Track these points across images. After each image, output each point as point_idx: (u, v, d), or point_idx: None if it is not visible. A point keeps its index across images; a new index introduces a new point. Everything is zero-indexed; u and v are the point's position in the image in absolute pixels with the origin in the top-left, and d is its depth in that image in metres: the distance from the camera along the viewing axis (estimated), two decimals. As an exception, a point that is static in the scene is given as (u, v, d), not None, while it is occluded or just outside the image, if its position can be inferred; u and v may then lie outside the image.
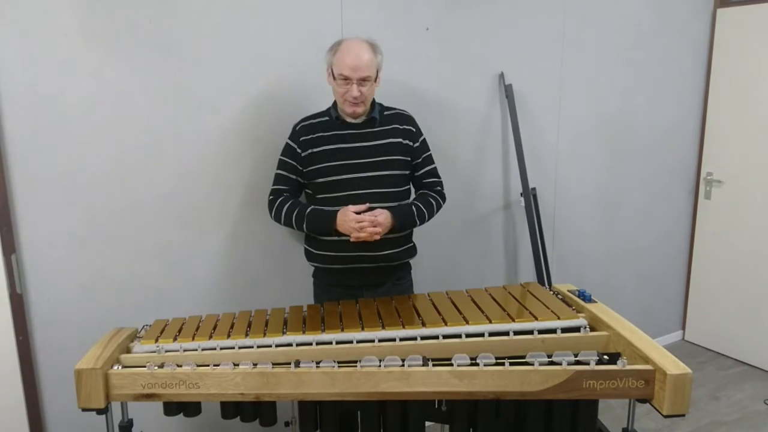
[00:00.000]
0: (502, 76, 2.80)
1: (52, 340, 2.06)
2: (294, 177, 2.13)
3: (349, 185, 2.04)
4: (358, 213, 1.98)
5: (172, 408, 1.70)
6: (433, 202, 2.19)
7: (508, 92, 2.79)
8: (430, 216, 2.17)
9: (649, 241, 3.55)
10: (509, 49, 2.79)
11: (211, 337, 1.75)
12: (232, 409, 1.70)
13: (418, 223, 2.13)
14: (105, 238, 2.08)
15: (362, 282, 2.13)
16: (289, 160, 2.12)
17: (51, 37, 1.89)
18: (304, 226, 2.06)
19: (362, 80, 1.96)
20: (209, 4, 2.11)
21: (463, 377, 1.55)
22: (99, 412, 1.61)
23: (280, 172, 2.14)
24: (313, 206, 2.08)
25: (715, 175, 3.55)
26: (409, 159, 2.14)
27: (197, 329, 1.81)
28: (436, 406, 1.69)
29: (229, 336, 1.76)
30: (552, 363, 1.58)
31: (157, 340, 1.74)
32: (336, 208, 2.01)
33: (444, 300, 1.98)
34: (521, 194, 2.86)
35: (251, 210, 2.32)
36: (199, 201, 2.22)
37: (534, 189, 2.90)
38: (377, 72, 2.02)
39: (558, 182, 3.10)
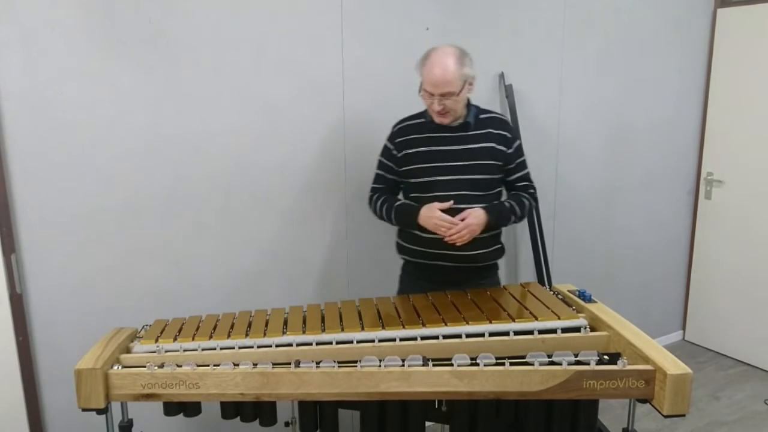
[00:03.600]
0: (502, 76, 2.80)
1: (52, 340, 2.06)
2: (391, 177, 2.18)
3: (440, 187, 2.05)
4: (443, 210, 1.98)
5: (172, 408, 1.70)
6: (526, 202, 2.16)
7: (508, 92, 2.79)
8: (522, 215, 2.15)
9: (649, 241, 3.55)
10: (509, 49, 2.79)
11: (211, 337, 1.75)
12: (232, 409, 1.69)
13: (512, 220, 2.13)
14: (105, 238, 2.08)
15: (447, 279, 2.12)
16: (386, 161, 2.17)
17: (51, 37, 1.89)
18: (393, 219, 2.12)
19: (444, 95, 1.96)
20: (209, 4, 2.10)
21: (463, 377, 1.55)
22: (99, 412, 1.61)
23: (379, 171, 2.21)
24: (402, 200, 2.15)
25: (715, 175, 3.55)
26: (502, 163, 2.12)
27: (197, 329, 1.81)
28: (436, 406, 1.69)
29: (229, 336, 1.76)
30: (552, 363, 1.58)
31: (157, 340, 1.74)
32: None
33: (444, 300, 1.98)
34: (521, 194, 2.86)
35: (251, 210, 2.32)
36: (199, 201, 2.22)
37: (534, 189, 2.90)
38: (465, 83, 1.99)
39: (558, 182, 3.10)
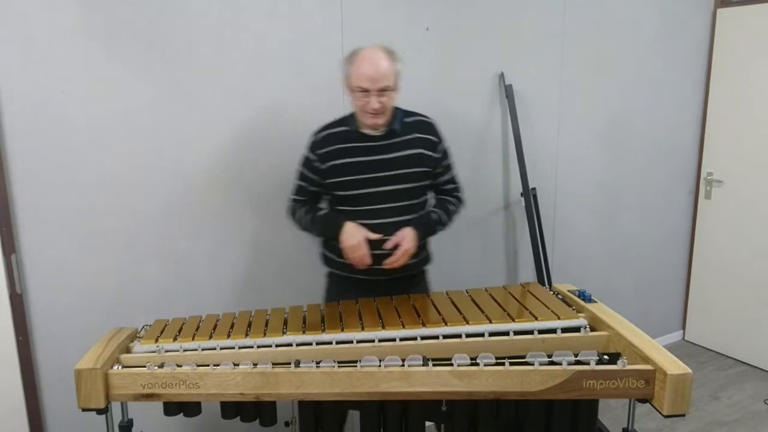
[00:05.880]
0: (502, 76, 2.80)
1: (52, 340, 2.06)
2: (313, 189, 2.09)
3: (371, 199, 2.00)
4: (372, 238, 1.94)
5: (172, 408, 1.70)
6: (452, 208, 2.16)
7: (508, 92, 2.79)
8: (449, 223, 2.14)
9: (650, 241, 3.55)
10: (509, 49, 2.79)
11: (211, 337, 1.75)
12: (232, 409, 1.70)
13: (438, 230, 2.11)
14: (105, 238, 2.08)
15: (376, 290, 2.07)
16: (308, 173, 2.07)
17: (51, 37, 1.89)
18: (313, 229, 2.05)
19: (381, 91, 1.89)
20: (209, 5, 2.10)
21: (463, 377, 1.55)
22: (99, 412, 1.61)
23: (299, 183, 2.10)
24: (325, 211, 2.07)
25: (715, 175, 3.55)
26: (431, 169, 2.08)
27: (197, 329, 1.81)
28: (436, 406, 1.69)
29: (229, 336, 1.76)
30: (552, 363, 1.58)
31: (157, 340, 1.74)
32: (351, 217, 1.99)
33: (444, 300, 1.98)
34: (521, 194, 2.86)
35: (251, 210, 2.32)
36: (199, 201, 2.22)
37: (534, 189, 2.90)
38: (396, 80, 1.95)
39: (558, 182, 3.10)
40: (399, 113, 2.05)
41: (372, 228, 1.97)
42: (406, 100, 2.53)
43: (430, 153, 2.07)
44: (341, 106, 2.41)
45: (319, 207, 2.12)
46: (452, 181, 2.20)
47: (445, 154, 2.14)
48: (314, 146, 2.05)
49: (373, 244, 1.95)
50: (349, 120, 2.04)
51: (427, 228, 2.06)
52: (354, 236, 1.93)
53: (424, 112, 2.53)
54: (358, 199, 2.01)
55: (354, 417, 2.12)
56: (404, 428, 1.68)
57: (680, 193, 3.62)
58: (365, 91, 1.89)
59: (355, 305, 1.96)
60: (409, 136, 2.04)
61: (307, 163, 2.07)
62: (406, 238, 1.95)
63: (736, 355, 3.59)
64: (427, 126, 2.10)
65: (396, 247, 1.95)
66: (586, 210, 3.25)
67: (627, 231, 3.44)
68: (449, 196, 2.19)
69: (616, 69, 3.16)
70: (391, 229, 1.98)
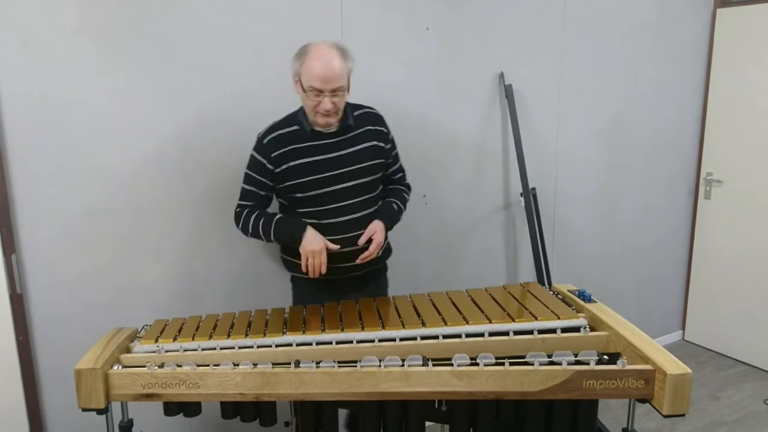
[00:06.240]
0: (502, 76, 2.80)
1: (52, 339, 2.06)
2: (263, 193, 2.02)
3: (331, 198, 1.97)
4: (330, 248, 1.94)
5: (172, 408, 1.70)
6: (406, 197, 2.20)
7: (508, 92, 2.79)
8: (404, 211, 2.18)
9: (649, 241, 3.55)
10: (509, 49, 2.79)
11: (211, 337, 1.75)
12: (232, 409, 1.70)
13: (399, 219, 2.15)
14: (105, 238, 2.08)
15: (348, 288, 2.10)
16: (259, 177, 1.98)
17: (51, 37, 1.89)
18: (272, 234, 1.97)
19: (334, 91, 1.84)
20: (209, 4, 2.10)
21: (463, 377, 1.55)
22: (99, 412, 1.61)
23: (248, 187, 2.01)
24: (282, 215, 2.02)
25: (715, 175, 3.55)
26: (384, 160, 2.09)
27: (197, 329, 1.81)
28: (436, 406, 1.69)
29: (229, 336, 1.76)
30: (552, 363, 1.59)
31: (157, 340, 1.74)
32: (310, 220, 1.97)
33: (444, 300, 1.98)
34: (521, 194, 2.86)
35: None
36: (198, 201, 2.22)
37: (534, 189, 2.90)
38: (349, 79, 1.89)
39: (558, 182, 3.10)
40: (348, 108, 2.01)
41: (335, 226, 1.97)
42: (406, 99, 2.54)
43: (382, 144, 2.07)
44: (341, 106, 2.41)
45: (269, 212, 2.04)
46: (400, 169, 2.24)
47: (393, 144, 2.16)
48: (265, 149, 1.96)
49: (341, 242, 1.96)
50: (298, 118, 1.98)
51: (392, 219, 2.09)
52: (316, 242, 1.91)
53: (424, 112, 2.53)
54: (319, 199, 1.96)
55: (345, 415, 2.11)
56: (404, 428, 1.68)
57: (680, 193, 3.63)
58: (317, 91, 1.84)
59: (355, 305, 1.96)
60: (362, 129, 2.02)
61: (255, 165, 1.98)
62: (377, 231, 1.98)
63: (735, 355, 3.59)
64: (375, 117, 2.09)
65: (369, 241, 1.98)
66: (586, 210, 3.25)
67: (627, 231, 3.44)
68: (399, 184, 2.22)
69: (616, 69, 3.15)
70: (354, 226, 1.99)
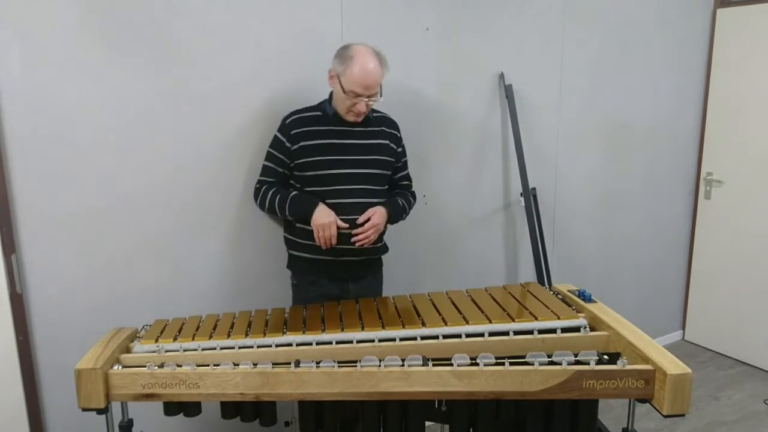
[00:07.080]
0: (502, 76, 2.80)
1: (52, 339, 2.06)
2: (281, 170, 2.14)
3: (339, 180, 2.07)
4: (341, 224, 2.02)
5: (172, 408, 1.70)
6: (412, 200, 2.32)
7: (508, 92, 2.79)
8: (408, 213, 2.28)
9: (649, 241, 3.55)
10: (509, 49, 2.79)
11: (211, 337, 1.75)
12: (232, 409, 1.70)
13: (403, 217, 2.24)
14: (105, 237, 2.08)
15: (348, 274, 2.17)
16: (278, 154, 2.12)
17: (51, 37, 1.89)
18: (287, 209, 2.08)
19: (371, 96, 1.99)
20: (209, 4, 2.10)
21: (463, 377, 1.55)
22: (99, 412, 1.61)
23: (268, 164, 2.16)
24: (295, 192, 2.12)
25: (715, 175, 3.55)
26: (394, 161, 2.22)
27: (197, 329, 1.81)
28: (436, 406, 1.69)
29: (229, 336, 1.76)
30: (552, 363, 1.59)
31: (157, 340, 1.74)
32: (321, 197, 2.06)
33: (444, 300, 1.98)
34: (521, 194, 2.86)
35: (251, 209, 2.32)
36: (198, 201, 2.22)
37: (534, 189, 2.90)
38: (382, 85, 2.04)
39: (558, 182, 3.10)
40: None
41: (340, 206, 2.05)
42: (406, 99, 2.53)
43: (393, 146, 2.21)
44: (341, 106, 2.41)
45: (285, 189, 2.15)
46: (408, 177, 2.35)
47: (404, 151, 2.30)
48: (286, 128, 2.11)
49: (340, 227, 2.04)
50: (324, 106, 2.13)
51: (395, 211, 2.16)
52: (326, 215, 2.01)
53: (425, 112, 2.54)
54: (322, 179, 2.07)
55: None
56: (404, 428, 1.68)
57: (680, 193, 3.63)
58: (356, 94, 1.97)
59: (355, 305, 1.96)
60: (378, 128, 2.17)
61: (276, 143, 2.13)
62: (376, 213, 2.05)
63: (735, 355, 3.59)
64: (391, 122, 2.24)
65: (366, 221, 2.04)
66: (586, 210, 3.25)
67: (627, 231, 3.44)
68: (406, 191, 2.32)
69: (616, 69, 3.16)
70: (353, 210, 2.06)
